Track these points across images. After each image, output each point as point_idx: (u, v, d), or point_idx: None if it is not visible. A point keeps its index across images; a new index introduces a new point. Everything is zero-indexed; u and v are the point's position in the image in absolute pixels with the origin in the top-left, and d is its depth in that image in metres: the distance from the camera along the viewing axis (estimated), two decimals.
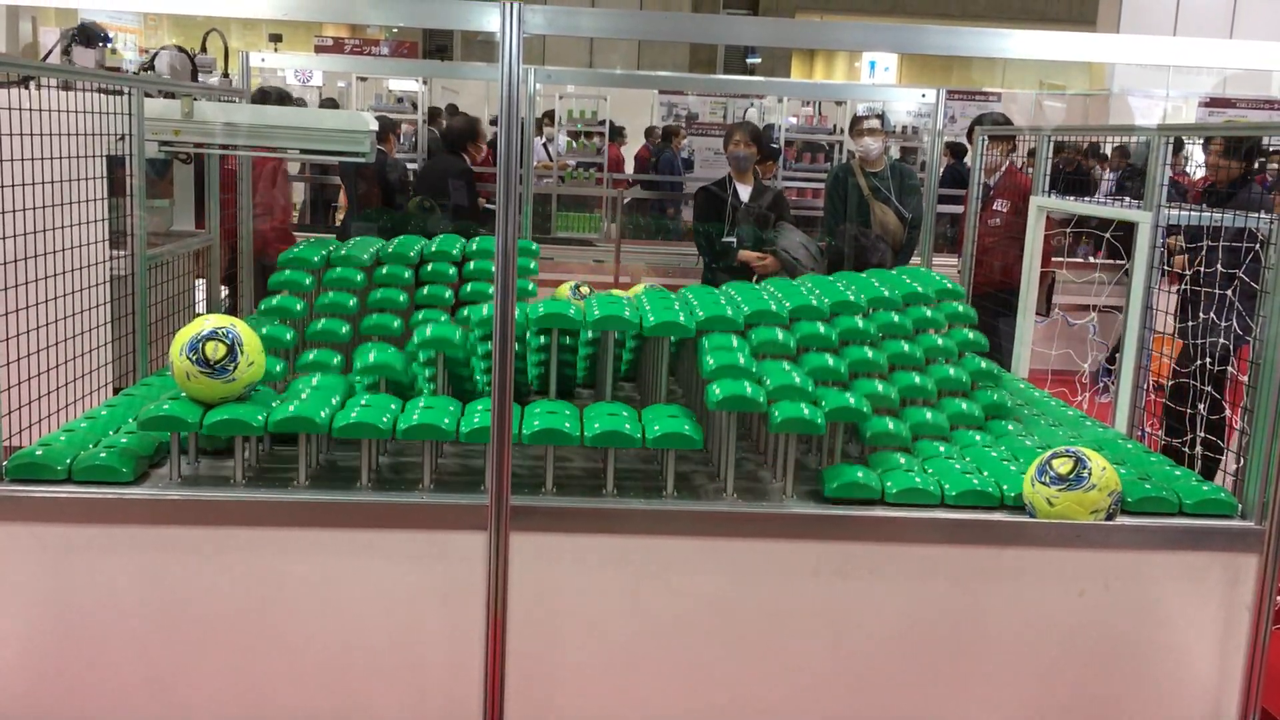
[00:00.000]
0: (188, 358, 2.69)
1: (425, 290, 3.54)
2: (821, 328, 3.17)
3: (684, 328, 3.04)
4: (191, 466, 2.92)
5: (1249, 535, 2.81)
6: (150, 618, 2.72)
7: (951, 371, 3.33)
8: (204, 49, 4.90)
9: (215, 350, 2.68)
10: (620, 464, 2.93)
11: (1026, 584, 2.80)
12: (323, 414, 2.78)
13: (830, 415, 2.89)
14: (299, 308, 3.36)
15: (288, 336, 3.21)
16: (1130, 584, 2.81)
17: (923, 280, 3.59)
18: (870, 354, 3.20)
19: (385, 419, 2.79)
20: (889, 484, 2.84)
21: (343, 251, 3.51)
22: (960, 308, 3.54)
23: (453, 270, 3.61)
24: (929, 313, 3.43)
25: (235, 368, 2.70)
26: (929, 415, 3.21)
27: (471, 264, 3.65)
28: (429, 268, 3.60)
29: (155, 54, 4.64)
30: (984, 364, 3.50)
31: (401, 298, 3.44)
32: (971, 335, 3.51)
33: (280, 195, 5.92)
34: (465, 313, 3.30)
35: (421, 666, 2.78)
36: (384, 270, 3.52)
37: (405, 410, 2.86)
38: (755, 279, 4.97)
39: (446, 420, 2.81)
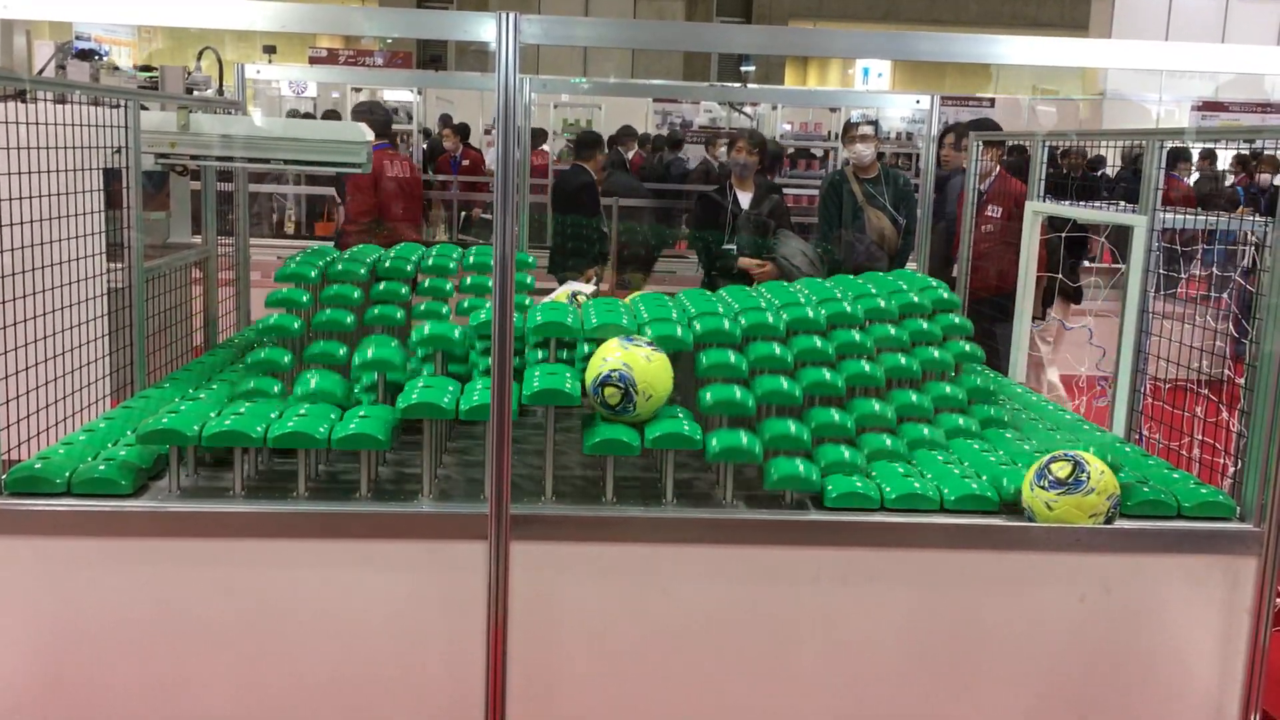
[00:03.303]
0: (592, 397, 2.82)
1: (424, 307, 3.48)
2: (819, 342, 3.17)
3: (682, 341, 3.05)
4: (191, 478, 2.92)
5: (1248, 538, 2.81)
6: (150, 630, 2.71)
7: (948, 390, 3.34)
8: (199, 63, 4.91)
9: (612, 396, 2.78)
10: (619, 471, 2.93)
11: (1026, 588, 2.81)
12: (321, 429, 2.78)
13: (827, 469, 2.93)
14: (296, 325, 3.28)
15: (285, 359, 3.14)
16: (1130, 588, 2.81)
17: (917, 286, 3.59)
18: (867, 368, 3.20)
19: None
20: (887, 489, 2.84)
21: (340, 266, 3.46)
22: (956, 319, 3.52)
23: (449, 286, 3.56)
24: (925, 325, 3.42)
25: (634, 406, 2.80)
26: (926, 431, 3.21)
27: (469, 279, 3.59)
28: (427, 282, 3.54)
29: (161, 70, 4.66)
30: (979, 379, 3.49)
31: (399, 314, 3.37)
32: (968, 347, 3.50)
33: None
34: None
35: (423, 676, 2.78)
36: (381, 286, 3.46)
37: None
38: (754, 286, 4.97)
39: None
